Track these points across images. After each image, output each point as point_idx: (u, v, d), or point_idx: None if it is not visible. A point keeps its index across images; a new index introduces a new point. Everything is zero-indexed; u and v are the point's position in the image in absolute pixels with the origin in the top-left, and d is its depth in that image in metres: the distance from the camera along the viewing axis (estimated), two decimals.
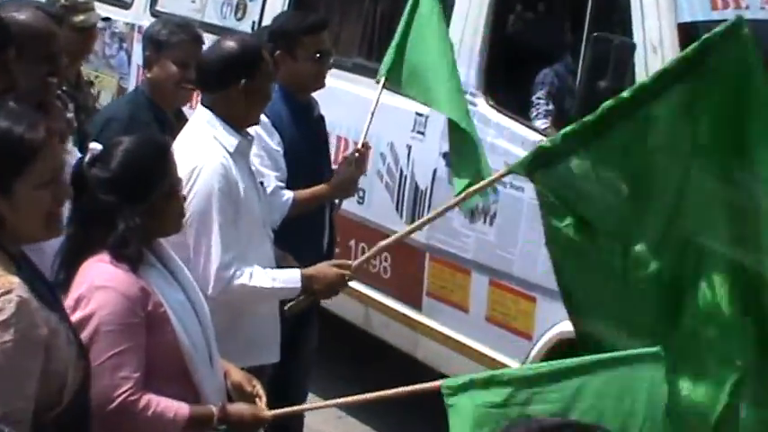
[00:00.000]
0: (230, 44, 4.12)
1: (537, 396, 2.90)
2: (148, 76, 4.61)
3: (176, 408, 2.95)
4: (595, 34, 4.63)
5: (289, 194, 4.46)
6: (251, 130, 4.18)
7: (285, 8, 6.31)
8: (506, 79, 5.52)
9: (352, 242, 5.90)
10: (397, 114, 5.38)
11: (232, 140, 3.95)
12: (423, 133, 5.48)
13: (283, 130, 4.56)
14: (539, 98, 5.39)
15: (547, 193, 3.52)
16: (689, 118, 3.37)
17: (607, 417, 2.85)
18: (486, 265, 5.23)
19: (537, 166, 3.57)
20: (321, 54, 4.71)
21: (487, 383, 2.96)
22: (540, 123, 5.31)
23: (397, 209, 5.54)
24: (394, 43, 4.93)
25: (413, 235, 4.78)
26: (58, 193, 2.58)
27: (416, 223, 4.65)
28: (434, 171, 5.36)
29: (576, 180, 3.49)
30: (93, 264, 2.98)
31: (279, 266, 4.18)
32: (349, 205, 5.33)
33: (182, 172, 3.38)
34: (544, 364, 3.61)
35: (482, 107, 5.24)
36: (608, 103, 3.46)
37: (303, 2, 6.43)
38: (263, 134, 4.41)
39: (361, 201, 5.74)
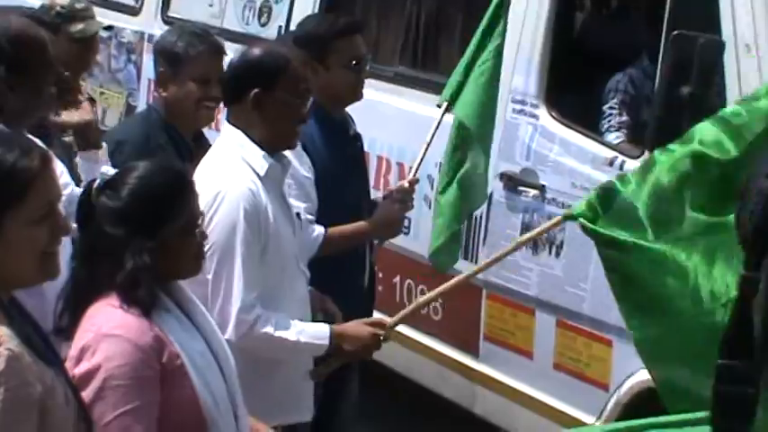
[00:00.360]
0: (253, 51, 4.18)
1: None
2: (163, 94, 4.62)
3: None
4: (677, 32, 4.61)
5: (320, 230, 4.50)
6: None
7: (316, 9, 6.40)
8: (572, 87, 5.56)
9: (397, 279, 5.97)
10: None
11: (262, 163, 3.96)
12: None
13: (315, 152, 4.59)
14: (611, 108, 5.40)
15: (609, 236, 3.63)
16: None
17: None
18: (553, 302, 5.26)
19: (600, 212, 3.65)
20: (357, 61, 4.75)
21: None
22: (613, 137, 5.31)
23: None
24: (463, 62, 4.99)
25: (469, 271, 4.79)
26: (55, 229, 2.59)
27: (474, 269, 4.69)
28: (491, 195, 5.43)
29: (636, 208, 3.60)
30: (101, 308, 3.00)
31: (315, 310, 4.24)
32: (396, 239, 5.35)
33: (204, 198, 3.41)
34: (621, 424, 3.61)
35: (544, 119, 5.31)
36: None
37: (337, 3, 6.56)
38: (291, 158, 4.43)
39: (407, 231, 5.71)
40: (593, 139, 5.27)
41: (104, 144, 4.62)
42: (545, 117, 5.35)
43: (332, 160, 4.74)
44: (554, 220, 4.40)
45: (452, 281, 4.56)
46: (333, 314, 4.44)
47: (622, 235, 3.62)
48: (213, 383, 3.17)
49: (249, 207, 3.87)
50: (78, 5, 5.39)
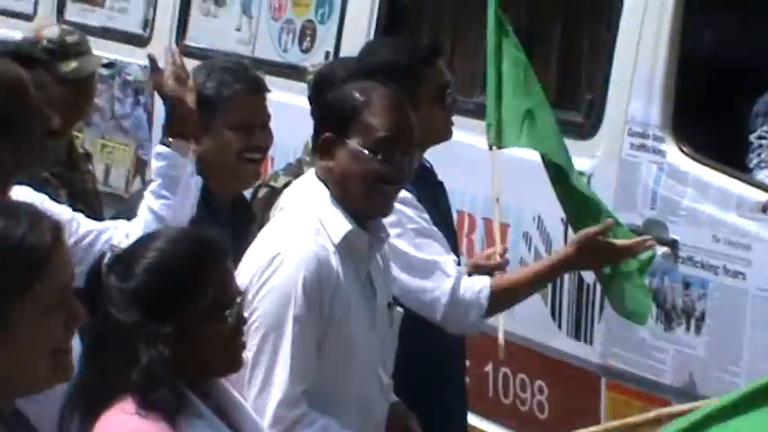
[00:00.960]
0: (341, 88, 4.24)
1: None
2: (192, 148, 4.66)
3: None
4: None
5: (483, 283, 4.56)
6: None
7: (371, 29, 6.64)
8: (706, 113, 5.61)
9: (489, 367, 5.97)
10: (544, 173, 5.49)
11: (340, 226, 3.99)
12: None
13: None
14: (761, 137, 5.40)
15: None
16: None
17: None
18: (695, 393, 5.20)
19: None
20: (445, 90, 4.92)
21: None
22: (766, 175, 5.30)
23: (553, 315, 5.63)
24: (491, 96, 5.20)
25: (581, 353, 4.90)
26: (69, 318, 2.60)
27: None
28: None
29: None
30: (114, 417, 3.00)
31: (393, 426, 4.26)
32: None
33: (258, 261, 3.57)
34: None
35: (673, 156, 5.36)
36: None
37: (399, 19, 6.74)
38: (410, 212, 4.54)
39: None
40: (739, 178, 5.25)
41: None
42: (674, 153, 5.37)
43: (431, 215, 4.84)
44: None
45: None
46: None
47: None
48: None
49: (312, 277, 3.87)
50: (70, 38, 5.53)
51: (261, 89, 4.72)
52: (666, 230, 5.39)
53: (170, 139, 4.23)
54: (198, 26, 8.49)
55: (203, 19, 8.51)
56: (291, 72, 6.80)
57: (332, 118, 4.09)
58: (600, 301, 5.51)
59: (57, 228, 2.68)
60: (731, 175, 5.25)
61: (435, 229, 4.72)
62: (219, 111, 4.58)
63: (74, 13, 9.48)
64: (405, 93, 4.57)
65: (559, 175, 5.25)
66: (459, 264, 4.98)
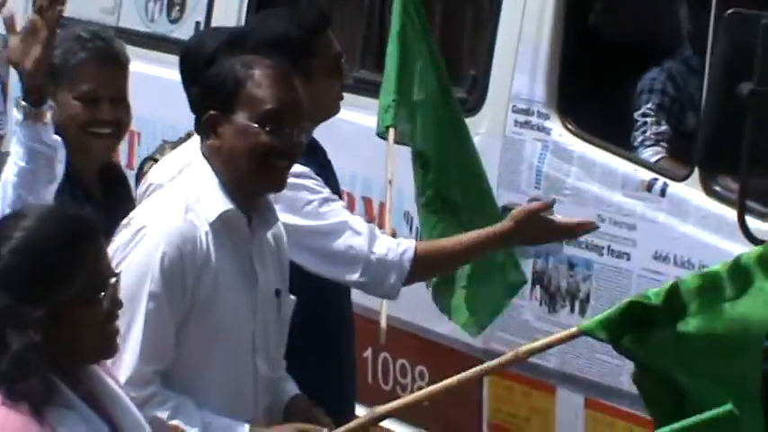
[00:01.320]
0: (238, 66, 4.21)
1: None
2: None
3: None
4: (732, 11, 4.58)
5: (408, 244, 4.58)
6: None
7: (244, 1, 6.59)
8: (592, 89, 5.71)
9: (368, 353, 6.03)
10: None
11: (216, 206, 3.97)
12: None
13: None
14: (645, 115, 5.50)
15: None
16: None
17: None
18: (580, 377, 5.33)
19: (625, 330, 3.63)
20: (339, 60, 4.98)
21: None
22: (650, 153, 5.42)
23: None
24: (390, 77, 5.30)
25: (464, 338, 5.18)
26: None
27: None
28: None
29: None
30: None
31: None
32: (364, 299, 5.29)
33: (123, 236, 3.59)
34: None
35: (558, 133, 5.47)
36: None
37: None
38: (310, 183, 4.54)
39: None
40: (624, 157, 5.35)
41: None
42: (558, 130, 5.47)
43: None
44: (569, 332, 4.14)
45: (445, 382, 4.29)
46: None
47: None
48: None
49: (173, 254, 3.85)
50: None
51: (112, 59, 4.62)
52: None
53: (26, 107, 4.11)
54: None
55: None
56: (159, 43, 6.79)
57: (214, 94, 4.05)
58: None
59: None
60: (616, 154, 5.35)
61: (337, 197, 4.74)
62: (65, 80, 4.51)
63: None
64: (298, 65, 4.56)
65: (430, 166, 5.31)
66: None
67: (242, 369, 4.11)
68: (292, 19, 5.15)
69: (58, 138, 4.12)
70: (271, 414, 4.10)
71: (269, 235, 3.98)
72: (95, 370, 3.23)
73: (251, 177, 4.06)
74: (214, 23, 6.87)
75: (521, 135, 5.63)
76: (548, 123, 5.54)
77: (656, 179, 5.25)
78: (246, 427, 3.99)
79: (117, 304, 3.20)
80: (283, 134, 4.03)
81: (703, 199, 5.10)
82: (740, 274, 3.50)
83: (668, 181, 5.21)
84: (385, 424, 5.38)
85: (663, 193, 5.18)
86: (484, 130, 5.79)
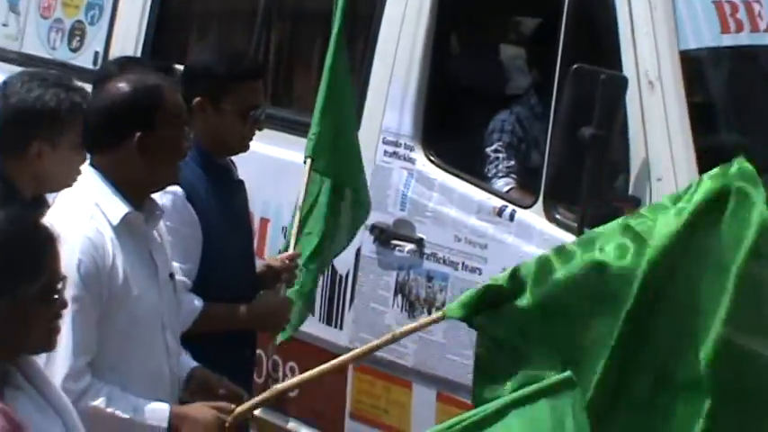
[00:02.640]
0: (119, 85, 4.34)
1: None
2: None
3: None
4: (576, 66, 4.93)
5: (198, 303, 4.78)
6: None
7: (142, 31, 6.79)
8: (453, 126, 5.93)
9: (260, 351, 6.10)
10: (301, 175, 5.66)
11: (117, 210, 4.13)
12: None
13: (199, 202, 4.92)
14: (496, 151, 5.76)
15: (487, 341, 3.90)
16: None
17: None
18: (433, 373, 5.55)
19: (479, 309, 3.87)
20: (254, 109, 5.11)
21: None
22: (502, 184, 5.68)
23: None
24: (317, 110, 5.41)
25: (331, 338, 5.23)
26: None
27: (343, 358, 4.80)
28: (358, 251, 5.78)
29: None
30: None
31: (213, 392, 4.44)
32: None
33: None
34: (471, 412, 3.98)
35: (421, 164, 5.68)
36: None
37: (165, 24, 6.92)
38: (172, 211, 4.69)
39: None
40: (479, 186, 5.59)
41: None
42: (422, 161, 5.69)
43: (217, 211, 5.05)
44: (433, 317, 4.45)
45: (318, 369, 4.59)
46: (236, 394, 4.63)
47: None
48: None
49: (87, 260, 4.02)
50: None
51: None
52: (414, 229, 5.68)
53: None
54: None
55: None
56: (60, 69, 6.60)
57: (130, 113, 4.19)
58: (351, 291, 5.73)
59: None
60: (472, 183, 5.58)
61: (188, 231, 4.80)
62: (66, 128, 4.67)
63: None
64: (211, 98, 4.98)
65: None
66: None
67: (157, 347, 4.29)
68: (225, 59, 5.33)
69: None
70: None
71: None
72: (32, 360, 3.35)
73: (165, 176, 4.29)
74: (113, 53, 6.89)
75: (389, 164, 5.80)
76: (413, 154, 5.73)
77: (506, 206, 5.46)
78: (167, 407, 4.18)
79: (64, 304, 3.34)
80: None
81: (545, 224, 5.31)
82: (565, 254, 3.78)
83: (516, 208, 5.41)
84: (256, 413, 5.48)
85: (512, 218, 5.40)
86: None
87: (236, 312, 5.05)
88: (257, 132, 5.40)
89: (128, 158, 4.17)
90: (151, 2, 7.27)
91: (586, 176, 4.89)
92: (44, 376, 3.43)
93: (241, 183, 5.34)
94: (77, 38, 7.52)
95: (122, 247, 4.14)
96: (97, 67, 7.15)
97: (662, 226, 3.73)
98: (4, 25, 7.98)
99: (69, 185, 4.52)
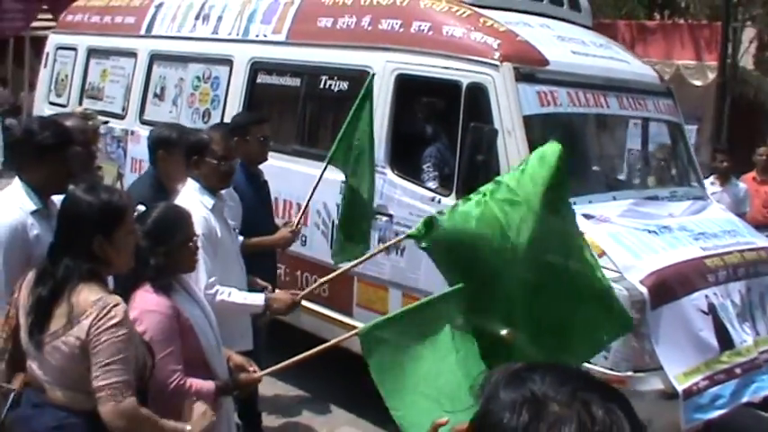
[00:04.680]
0: (190, 134, 5.01)
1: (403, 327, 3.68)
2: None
3: (208, 385, 3.56)
4: (473, 124, 5.75)
5: (240, 238, 5.12)
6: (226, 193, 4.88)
7: (238, 110, 7.42)
8: (405, 155, 6.62)
9: (299, 273, 7.14)
10: (328, 183, 6.30)
11: (210, 201, 4.70)
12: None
13: (240, 192, 5.40)
14: (428, 167, 6.58)
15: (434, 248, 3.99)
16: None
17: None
18: (399, 282, 6.32)
19: (427, 232, 3.98)
20: (264, 138, 5.83)
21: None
22: (431, 184, 6.43)
23: (330, 248, 6.41)
24: (339, 135, 5.76)
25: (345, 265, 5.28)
26: (135, 239, 3.20)
27: (348, 266, 5.32)
28: None
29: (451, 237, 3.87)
30: (141, 293, 3.48)
31: (250, 287, 4.88)
32: (295, 247, 6.41)
33: None
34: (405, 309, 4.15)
35: (390, 176, 6.49)
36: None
37: (253, 106, 7.63)
38: (227, 197, 5.04)
39: (303, 244, 6.93)
40: (420, 185, 6.37)
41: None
42: (390, 173, 6.51)
43: (251, 197, 5.60)
44: (401, 237, 4.92)
45: (335, 273, 5.26)
46: (264, 287, 5.06)
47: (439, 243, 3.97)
48: (206, 333, 3.67)
49: (204, 228, 4.49)
50: (88, 111, 6.39)
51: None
52: (387, 209, 6.43)
53: None
54: (150, 110, 9.12)
55: (153, 106, 9.12)
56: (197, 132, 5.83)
57: (192, 150, 4.82)
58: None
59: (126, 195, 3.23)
60: (416, 184, 6.38)
61: (233, 205, 5.04)
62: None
63: (87, 103, 9.93)
64: (242, 136, 5.59)
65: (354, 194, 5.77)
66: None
67: (239, 266, 4.95)
68: (245, 116, 6.22)
69: None
70: None
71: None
72: (184, 277, 3.73)
73: (222, 183, 4.83)
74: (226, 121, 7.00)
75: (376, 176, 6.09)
76: (386, 170, 6.55)
77: (435, 196, 6.25)
78: (263, 294, 4.74)
79: (197, 248, 3.74)
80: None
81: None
82: (475, 197, 3.94)
83: (441, 197, 6.19)
84: (306, 304, 5.63)
85: (439, 202, 6.14)
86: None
87: (260, 241, 5.57)
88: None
89: (207, 173, 4.83)
90: (243, 97, 7.93)
91: (481, 179, 5.17)
92: (191, 285, 3.77)
93: (266, 182, 5.99)
94: (206, 117, 8.27)
95: (216, 219, 4.70)
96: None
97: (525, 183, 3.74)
98: (170, 113, 8.77)
99: (182, 182, 4.85)
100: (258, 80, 7.78)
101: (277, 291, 5.00)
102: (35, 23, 15.85)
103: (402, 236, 4.72)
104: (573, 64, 6.49)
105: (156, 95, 8.98)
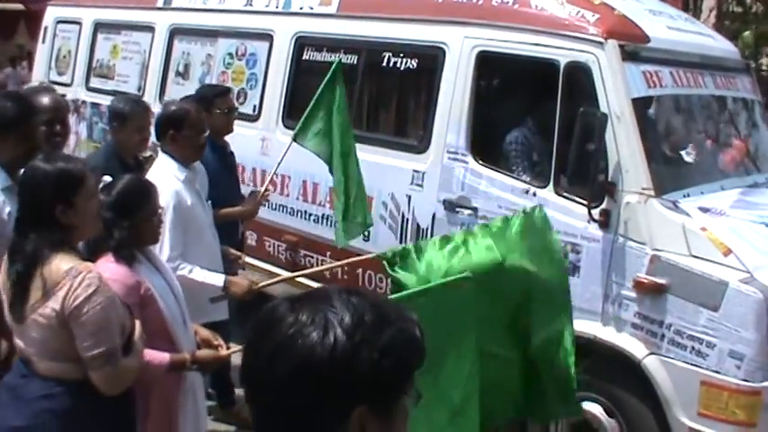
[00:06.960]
0: (166, 107, 5.10)
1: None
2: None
3: (161, 357, 3.60)
4: (583, 109, 5.05)
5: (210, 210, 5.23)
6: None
7: (280, 92, 7.18)
8: (491, 142, 6.04)
9: (359, 271, 6.55)
10: (396, 172, 6.14)
11: (181, 173, 4.88)
12: (421, 185, 6.19)
13: (208, 164, 5.51)
14: (516, 156, 5.91)
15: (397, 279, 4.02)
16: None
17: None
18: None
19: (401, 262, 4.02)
20: (229, 110, 6.01)
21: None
22: (524, 176, 5.77)
23: (401, 243, 5.93)
24: (305, 115, 5.82)
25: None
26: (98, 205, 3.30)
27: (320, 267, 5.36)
28: (433, 215, 6.04)
29: None
30: (103, 262, 3.53)
31: (223, 256, 5.09)
32: (357, 242, 6.12)
33: None
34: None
35: (472, 164, 5.93)
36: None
37: (297, 86, 7.30)
38: (197, 167, 5.23)
39: (366, 239, 6.43)
40: (511, 176, 5.75)
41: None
42: (472, 162, 5.92)
43: (217, 170, 5.73)
44: (368, 256, 4.83)
45: (309, 270, 5.61)
46: (237, 256, 5.43)
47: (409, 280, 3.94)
48: (170, 304, 3.73)
49: (175, 199, 4.70)
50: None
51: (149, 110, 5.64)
52: (470, 202, 5.93)
53: None
54: (171, 89, 8.51)
55: (175, 86, 8.53)
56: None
57: (168, 122, 5.00)
58: (430, 237, 5.42)
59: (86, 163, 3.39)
60: (503, 174, 5.81)
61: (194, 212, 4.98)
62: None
63: (96, 82, 9.67)
64: (206, 109, 5.69)
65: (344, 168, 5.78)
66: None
67: (212, 239, 5.17)
68: (209, 88, 6.40)
69: None
70: None
71: None
72: (149, 248, 3.80)
73: (194, 155, 5.04)
74: (264, 106, 7.39)
75: (452, 165, 6.04)
76: (467, 158, 5.96)
77: (529, 188, 5.65)
78: (223, 275, 4.84)
79: (161, 222, 3.84)
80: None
81: (555, 197, 5.51)
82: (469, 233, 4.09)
83: (536, 189, 5.61)
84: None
85: (534, 194, 5.59)
86: (429, 162, 6.19)
87: (228, 211, 5.74)
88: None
89: (184, 146, 4.96)
90: (287, 76, 7.42)
91: (592, 170, 5.10)
92: (156, 256, 3.85)
93: (232, 153, 6.20)
94: (242, 96, 7.74)
95: (187, 190, 4.83)
96: (256, 113, 7.51)
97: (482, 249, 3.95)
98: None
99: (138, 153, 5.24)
100: (305, 57, 7.23)
101: (239, 274, 5.27)
102: None
103: (372, 254, 4.60)
104: (672, 41, 5.95)
105: (178, 74, 8.44)
